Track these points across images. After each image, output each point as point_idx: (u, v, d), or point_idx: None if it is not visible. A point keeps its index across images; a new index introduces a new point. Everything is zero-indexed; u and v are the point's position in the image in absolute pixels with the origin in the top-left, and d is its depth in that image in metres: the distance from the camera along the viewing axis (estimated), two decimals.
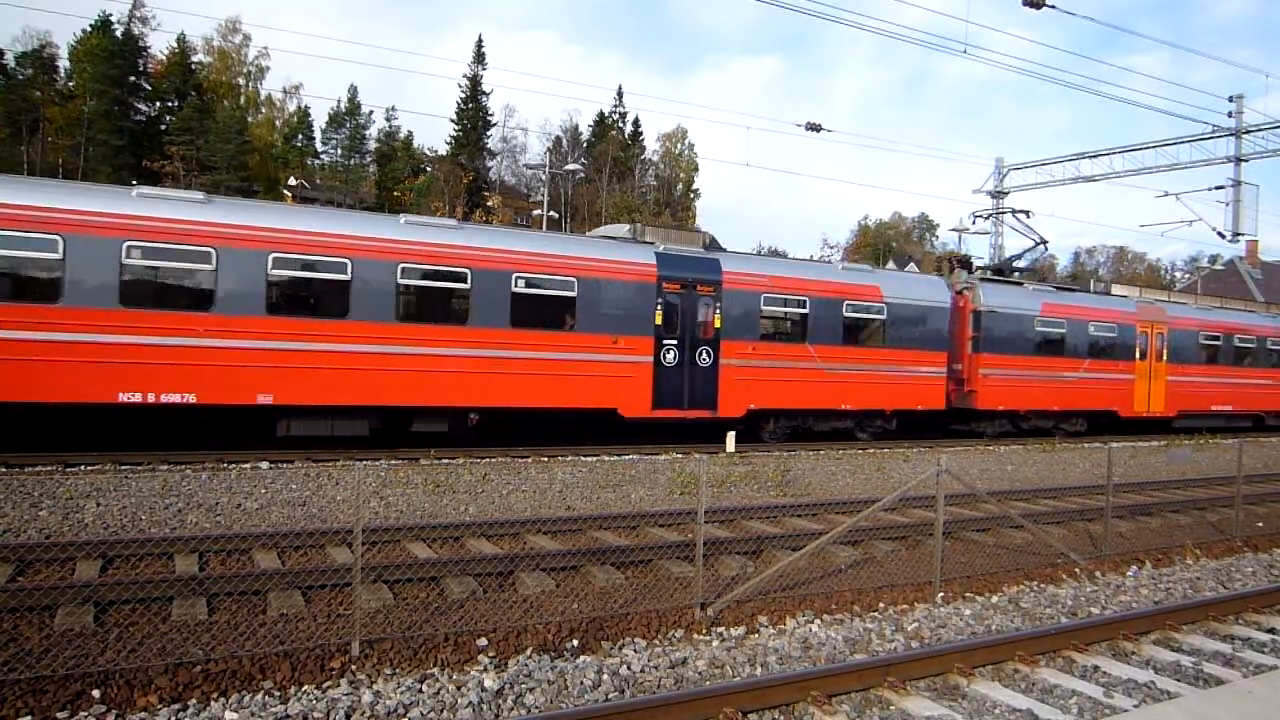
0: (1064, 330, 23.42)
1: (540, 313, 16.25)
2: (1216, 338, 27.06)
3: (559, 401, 16.19)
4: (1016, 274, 25.55)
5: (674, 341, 17.37)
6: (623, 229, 19.40)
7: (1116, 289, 28.31)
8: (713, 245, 19.13)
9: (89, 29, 66.47)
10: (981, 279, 23.34)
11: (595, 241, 18.11)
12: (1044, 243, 26.41)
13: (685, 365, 17.43)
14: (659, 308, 17.12)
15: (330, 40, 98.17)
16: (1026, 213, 26.38)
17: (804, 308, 19.03)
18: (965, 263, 25.01)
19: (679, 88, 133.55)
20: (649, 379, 16.99)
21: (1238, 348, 27.54)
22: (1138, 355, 24.78)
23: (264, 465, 13.11)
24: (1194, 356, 26.35)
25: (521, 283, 15.87)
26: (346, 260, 14.49)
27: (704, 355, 17.66)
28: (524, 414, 16.38)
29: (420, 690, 5.73)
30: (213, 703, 5.45)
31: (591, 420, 17.03)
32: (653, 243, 18.04)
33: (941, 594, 8.57)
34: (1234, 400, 27.31)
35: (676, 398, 17.35)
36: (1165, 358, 25.39)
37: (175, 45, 71.28)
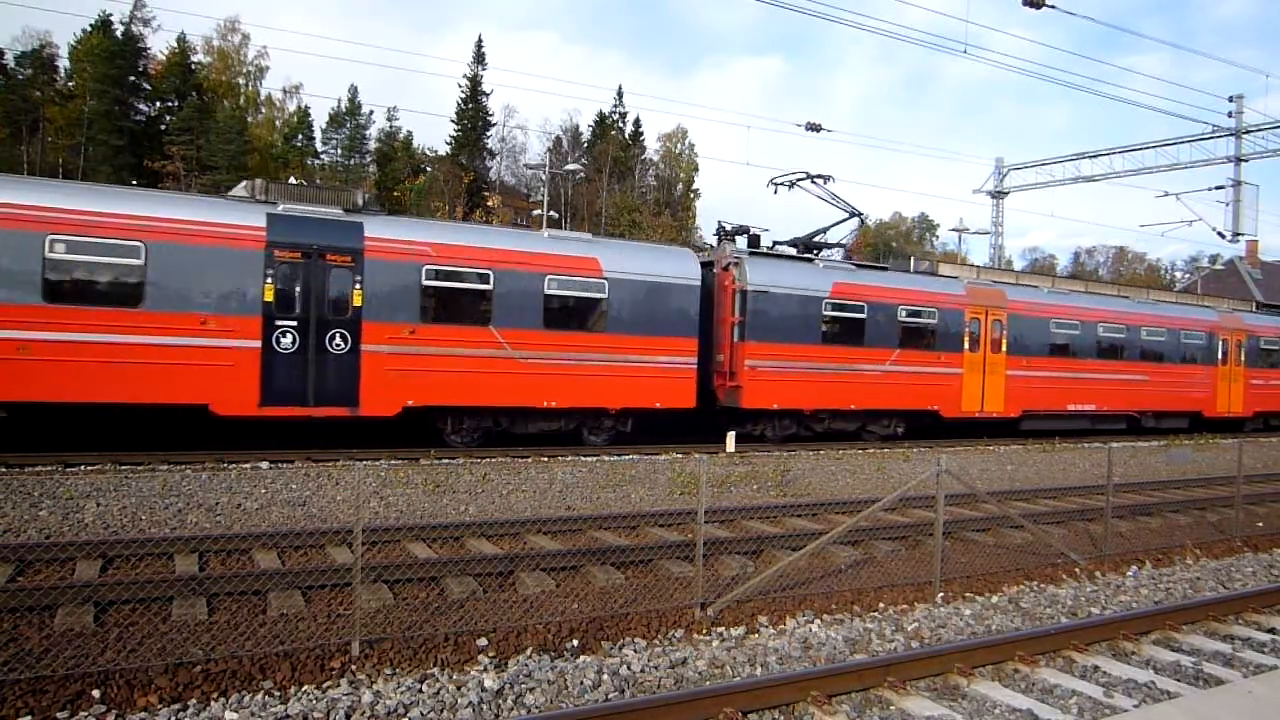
0: (863, 315, 19.68)
1: (94, 289, 13.13)
2: (1074, 326, 23.53)
3: (131, 396, 13.13)
4: (823, 251, 21.41)
5: (292, 323, 14.23)
6: (250, 188, 15.40)
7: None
8: (368, 206, 15.92)
9: (89, 29, 66.48)
10: (752, 253, 19.34)
11: (173, 199, 15.01)
12: (857, 215, 21.94)
13: (310, 352, 14.31)
14: (269, 280, 14.02)
15: (330, 40, 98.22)
16: (825, 178, 21.91)
17: (486, 283, 15.65)
18: (745, 233, 20.81)
19: (680, 88, 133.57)
20: (255, 369, 13.90)
21: (1104, 338, 24.20)
22: (967, 345, 21.16)
23: (264, 465, 13.12)
24: (1043, 348, 22.82)
25: (60, 247, 12.81)
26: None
27: (338, 340, 14.51)
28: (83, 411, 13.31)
29: (420, 690, 5.73)
30: (213, 703, 5.45)
31: (181, 419, 14.07)
32: (273, 202, 14.76)
33: (941, 594, 8.57)
34: (1100, 399, 23.97)
35: (296, 392, 14.24)
36: (1005, 349, 21.88)
37: (175, 45, 71.30)
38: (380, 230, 15.02)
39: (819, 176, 21.70)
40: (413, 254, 15.16)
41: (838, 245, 22.70)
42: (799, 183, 21.74)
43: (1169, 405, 25.81)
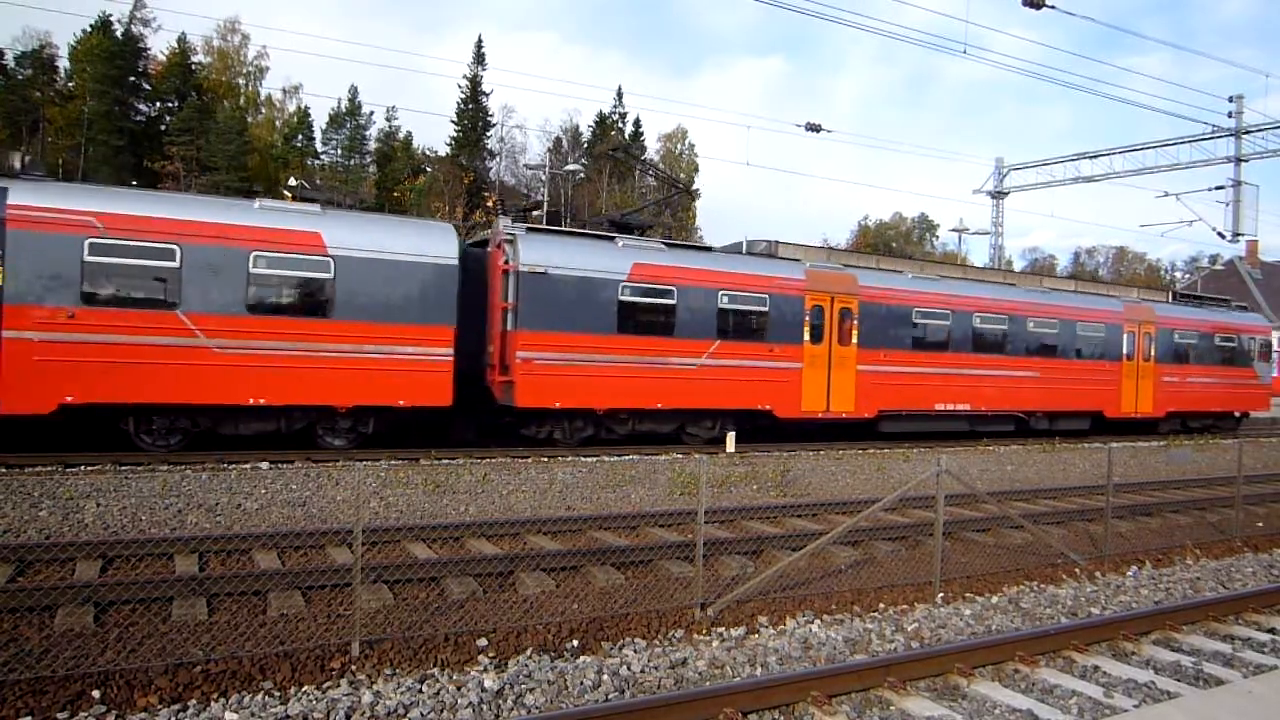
0: (672, 301, 17.20)
1: None
2: (943, 316, 21.06)
3: None
4: (639, 231, 19.08)
5: None
6: None
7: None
8: (27, 169, 13.62)
9: (89, 29, 66.51)
10: (530, 229, 16.79)
11: None
12: (682, 187, 20.70)
13: None
14: None
15: (330, 40, 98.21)
16: (639, 150, 19.88)
17: (171, 260, 13.44)
18: (537, 208, 18.45)
19: (681, 88, 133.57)
20: None
21: (982, 330, 21.74)
22: (807, 336, 18.77)
23: (264, 465, 13.11)
24: (904, 340, 20.40)
25: None
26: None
27: None
28: None
29: (420, 690, 5.73)
30: (213, 703, 5.45)
31: None
32: None
33: (941, 594, 8.57)
34: (977, 398, 21.46)
35: None
36: (856, 341, 19.48)
37: (175, 46, 71.33)
38: (29, 197, 12.83)
39: (634, 149, 19.67)
40: (72, 225, 13.02)
41: (658, 224, 20.73)
42: (616, 154, 21.21)
43: (1063, 405, 23.35)
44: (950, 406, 21.16)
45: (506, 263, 16.00)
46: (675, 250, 18.22)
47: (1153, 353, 25.03)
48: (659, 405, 17.18)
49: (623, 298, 16.73)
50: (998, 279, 24.61)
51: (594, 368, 16.41)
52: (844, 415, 19.41)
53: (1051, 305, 23.29)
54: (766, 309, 18.46)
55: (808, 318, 18.85)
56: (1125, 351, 24.39)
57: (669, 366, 17.15)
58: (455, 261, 15.42)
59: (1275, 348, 32.34)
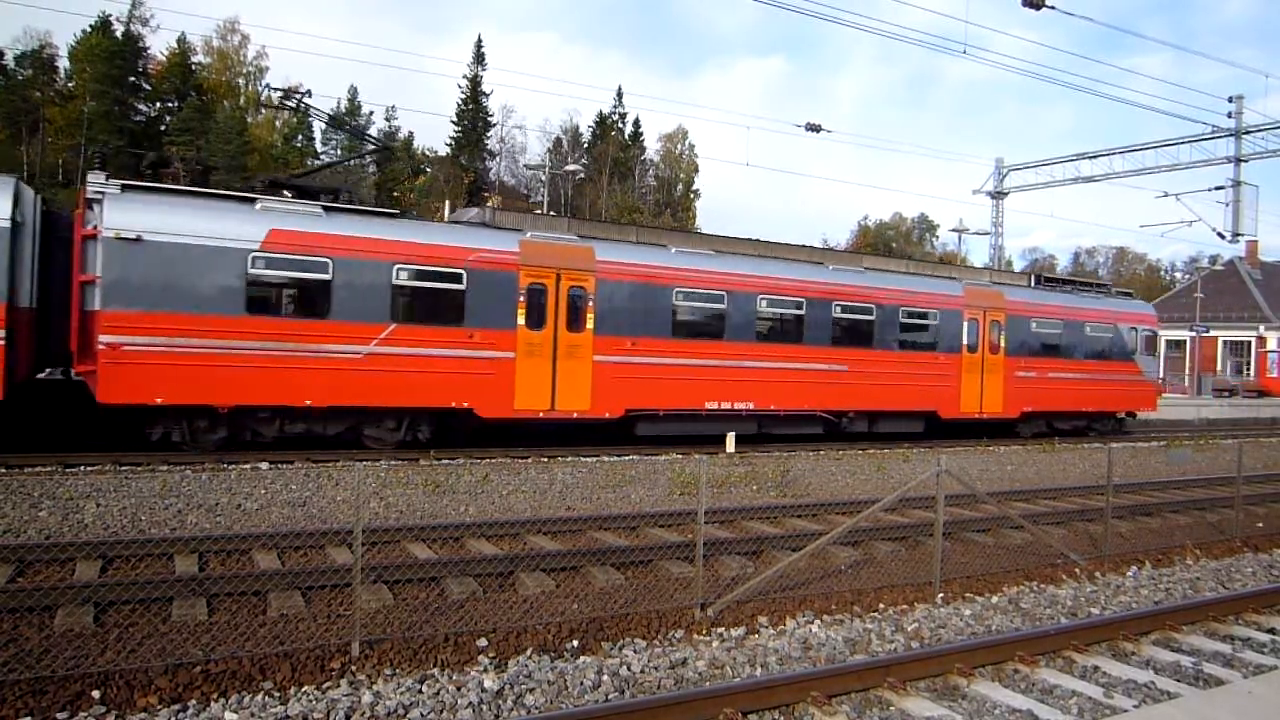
0: (326, 276, 14.32)
1: None
2: (717, 299, 17.84)
3: None
4: (326, 196, 15.87)
5: None
6: None
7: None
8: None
9: (89, 29, 66.51)
10: (127, 186, 13.65)
11: None
12: (385, 148, 17.92)
13: None
14: None
15: (330, 40, 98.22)
16: (301, 95, 17.19)
17: None
18: (164, 163, 15.48)
19: (682, 89, 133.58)
20: None
21: (770, 316, 18.73)
22: (522, 321, 15.68)
23: (264, 465, 13.11)
24: (662, 326, 17.22)
25: None
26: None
27: None
28: None
29: (420, 691, 5.73)
30: (213, 703, 5.45)
31: None
32: None
33: (941, 594, 8.57)
34: (766, 395, 18.40)
35: None
36: (593, 326, 16.45)
37: (175, 46, 71.35)
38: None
39: (302, 94, 17.59)
40: None
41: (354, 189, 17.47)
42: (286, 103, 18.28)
43: (882, 403, 20.19)
44: (727, 405, 17.87)
45: (92, 227, 13.21)
46: (336, 216, 14.94)
47: (1002, 343, 21.81)
48: (308, 402, 14.28)
49: (255, 270, 13.93)
50: (802, 257, 20.92)
51: (212, 356, 13.56)
52: (576, 415, 16.34)
53: (865, 287, 19.95)
54: (463, 287, 15.38)
55: (523, 298, 15.75)
56: (966, 342, 21.16)
57: (324, 355, 14.28)
58: (7, 221, 12.68)
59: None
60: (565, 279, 16.31)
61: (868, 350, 19.90)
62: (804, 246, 22.58)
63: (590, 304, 16.55)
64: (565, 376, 16.24)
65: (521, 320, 15.88)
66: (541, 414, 16.12)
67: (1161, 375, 27.04)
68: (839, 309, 19.50)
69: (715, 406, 17.80)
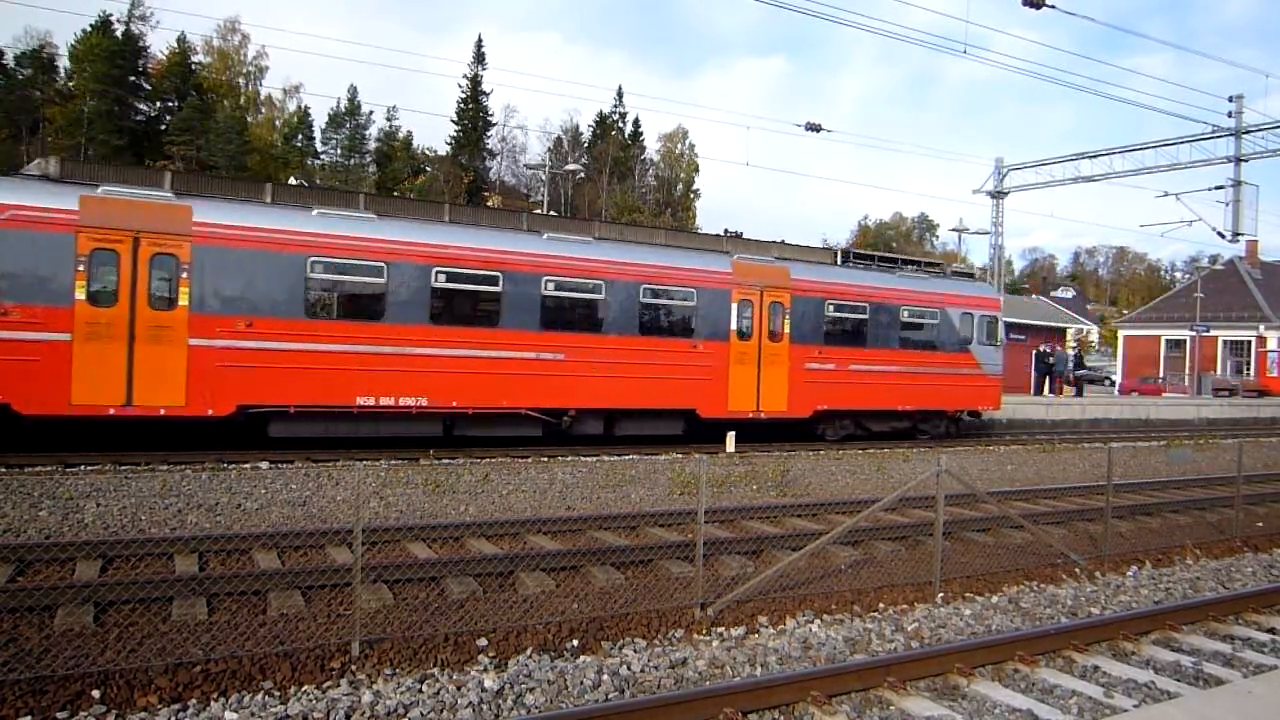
0: None
1: None
2: (372, 271, 14.74)
3: None
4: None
5: None
6: None
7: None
8: None
9: (89, 29, 66.51)
10: None
11: None
12: None
13: None
14: None
15: (330, 40, 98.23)
16: None
17: None
18: None
19: (683, 89, 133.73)
20: None
21: (444, 291, 15.42)
22: (82, 296, 12.81)
23: (264, 465, 13.11)
24: (290, 305, 14.20)
25: None
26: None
27: None
28: None
29: (420, 690, 5.73)
30: (213, 703, 5.45)
31: None
32: None
33: (941, 594, 8.57)
34: (441, 390, 15.21)
35: None
36: (188, 303, 13.45)
37: (175, 45, 71.37)
38: None
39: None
40: None
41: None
42: None
43: (618, 399, 16.86)
44: (389, 401, 14.82)
45: None
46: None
47: (786, 329, 18.41)
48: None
49: None
50: (507, 224, 17.70)
51: None
52: (164, 411, 13.32)
53: (589, 260, 16.64)
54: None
55: (84, 268, 12.81)
56: (735, 327, 17.77)
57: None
58: None
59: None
60: (146, 245, 13.18)
61: (594, 336, 16.55)
62: (515, 212, 19.54)
63: (185, 276, 13.42)
64: (149, 365, 13.17)
65: (80, 296, 12.80)
66: (114, 409, 13.00)
67: (1001, 366, 22.29)
68: (552, 285, 16.16)
69: (371, 402, 14.69)
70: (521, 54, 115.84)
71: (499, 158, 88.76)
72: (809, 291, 18.89)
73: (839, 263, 21.02)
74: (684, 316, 17.73)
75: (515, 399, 15.90)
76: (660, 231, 22.22)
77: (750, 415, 18.10)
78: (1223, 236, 31.60)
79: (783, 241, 21.82)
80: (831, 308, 19.28)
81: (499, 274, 15.73)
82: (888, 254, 24.07)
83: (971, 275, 24.01)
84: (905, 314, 20.42)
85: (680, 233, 26.38)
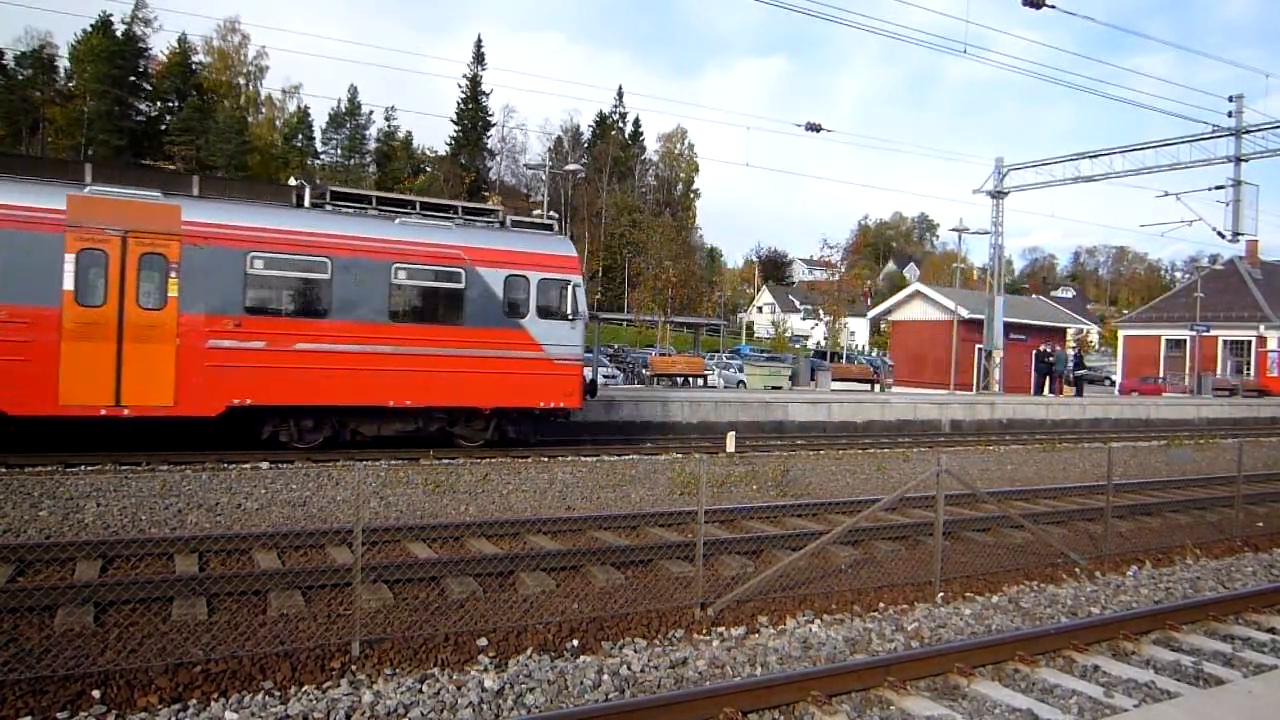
0: None
1: None
2: None
3: None
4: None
5: None
6: None
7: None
8: None
9: (89, 29, 66.53)
10: None
11: None
12: None
13: None
14: None
15: (330, 40, 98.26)
16: None
17: None
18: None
19: (685, 89, 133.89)
20: None
21: None
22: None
23: (264, 465, 13.11)
24: None
25: None
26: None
27: None
28: None
29: (420, 690, 5.73)
30: (213, 703, 5.45)
31: None
32: None
33: (941, 594, 8.56)
34: None
35: None
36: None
37: (175, 45, 71.40)
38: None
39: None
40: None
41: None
42: None
43: None
44: None
45: None
46: None
47: (173, 292, 13.29)
48: None
49: None
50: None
51: None
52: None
53: None
54: None
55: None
56: (73, 288, 12.62)
57: None
58: None
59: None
60: None
61: None
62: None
63: None
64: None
65: None
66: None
67: (581, 347, 16.89)
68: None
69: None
70: (522, 54, 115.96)
71: (499, 158, 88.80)
72: (216, 240, 13.61)
73: (302, 204, 15.12)
74: None
75: None
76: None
77: (105, 412, 12.92)
78: (1223, 236, 31.57)
79: (217, 175, 16.38)
80: (260, 263, 13.91)
81: None
82: (401, 196, 18.11)
83: (549, 227, 17.45)
84: (401, 274, 14.85)
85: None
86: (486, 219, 16.65)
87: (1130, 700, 6.00)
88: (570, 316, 16.17)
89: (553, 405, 16.12)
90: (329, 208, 15.19)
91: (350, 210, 15.32)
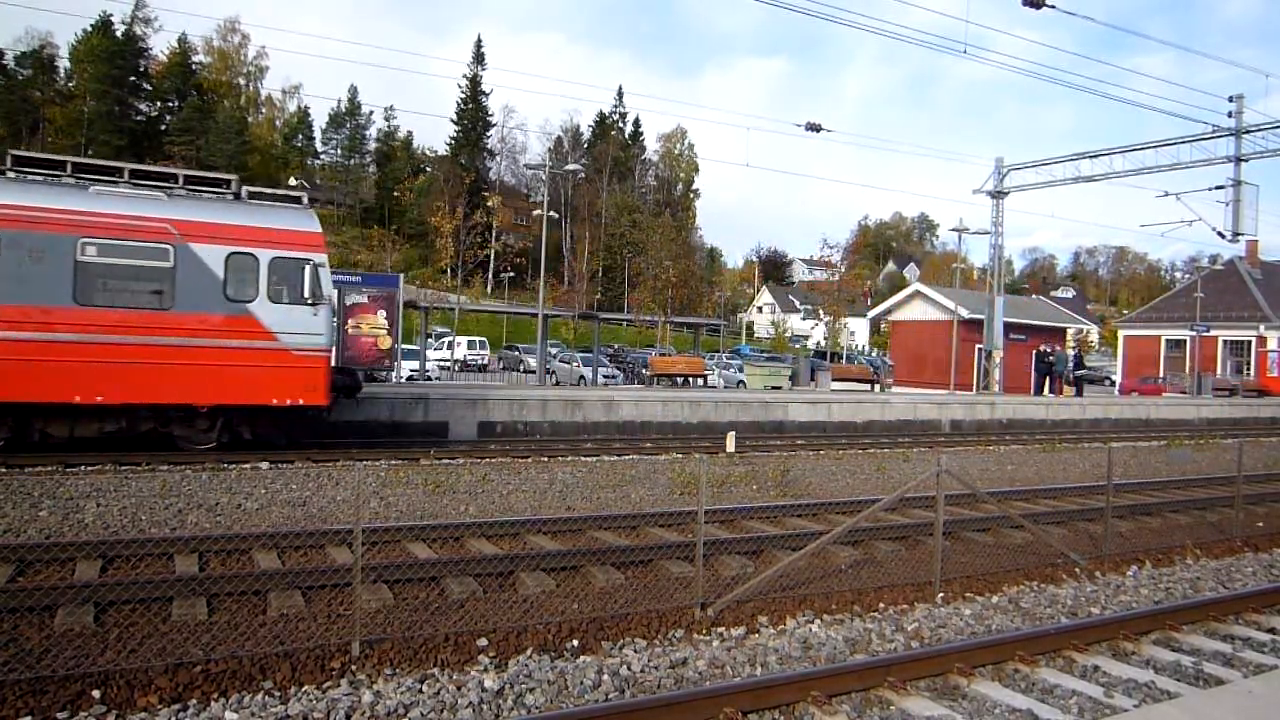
0: None
1: None
2: None
3: None
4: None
5: None
6: None
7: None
8: None
9: (89, 29, 66.55)
10: None
11: None
12: None
13: None
14: None
15: (330, 40, 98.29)
16: None
17: None
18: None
19: (685, 89, 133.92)
20: None
21: None
22: None
23: (264, 465, 13.11)
24: None
25: None
26: None
27: None
28: None
29: (420, 690, 5.73)
30: (213, 703, 5.45)
31: None
32: None
33: (941, 594, 8.56)
34: None
35: None
36: None
37: (175, 45, 71.43)
38: None
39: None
40: None
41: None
42: None
43: None
44: None
45: None
46: None
47: None
48: None
49: None
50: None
51: None
52: None
53: None
54: None
55: None
56: None
57: None
58: None
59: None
60: None
61: None
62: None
63: None
64: None
65: None
66: None
67: (326, 336, 14.39)
68: None
69: None
70: (522, 54, 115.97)
71: (499, 158, 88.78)
72: None
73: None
74: None
75: None
76: None
77: None
78: (1223, 236, 31.55)
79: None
80: (27, 240, 12.46)
81: None
82: (108, 164, 15.07)
83: (298, 200, 15.36)
84: (90, 250, 12.91)
85: None
86: (215, 190, 14.50)
87: (1130, 700, 6.00)
88: (311, 301, 13.99)
89: (291, 403, 14.01)
90: (11, 174, 13.21)
91: (38, 178, 13.25)
